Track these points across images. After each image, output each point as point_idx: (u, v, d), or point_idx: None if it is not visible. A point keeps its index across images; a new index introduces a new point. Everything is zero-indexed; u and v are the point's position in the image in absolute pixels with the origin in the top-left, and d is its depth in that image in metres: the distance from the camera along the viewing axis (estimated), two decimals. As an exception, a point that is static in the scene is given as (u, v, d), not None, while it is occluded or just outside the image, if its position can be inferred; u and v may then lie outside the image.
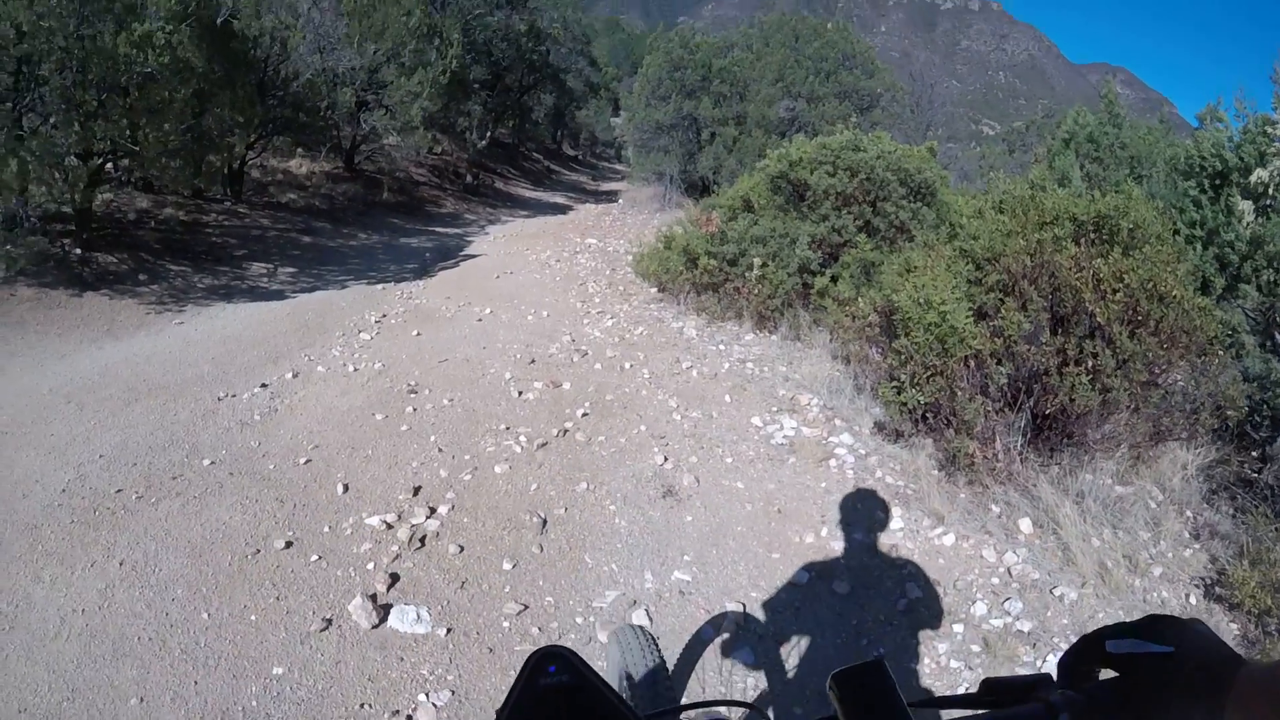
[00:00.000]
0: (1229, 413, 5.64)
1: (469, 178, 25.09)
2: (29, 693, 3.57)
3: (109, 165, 11.74)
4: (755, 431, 6.65)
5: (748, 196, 11.02)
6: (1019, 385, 5.66)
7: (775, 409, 7.15)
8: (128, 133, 10.28)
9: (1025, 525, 5.12)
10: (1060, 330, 5.62)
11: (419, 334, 9.28)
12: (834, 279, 9.18)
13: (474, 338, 9.15)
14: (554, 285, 12.20)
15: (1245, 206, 7.30)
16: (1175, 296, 5.41)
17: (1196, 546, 5.04)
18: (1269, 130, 7.41)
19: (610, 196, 27.85)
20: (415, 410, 6.90)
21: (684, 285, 10.63)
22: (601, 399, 7.26)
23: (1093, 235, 5.96)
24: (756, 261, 9.76)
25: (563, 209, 23.96)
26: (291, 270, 12.60)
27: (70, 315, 9.47)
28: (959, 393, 5.64)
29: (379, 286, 11.81)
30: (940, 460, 5.87)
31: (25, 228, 9.89)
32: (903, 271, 6.95)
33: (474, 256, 14.71)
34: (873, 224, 9.67)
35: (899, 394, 6.04)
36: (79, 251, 10.87)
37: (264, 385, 7.40)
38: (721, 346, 9.10)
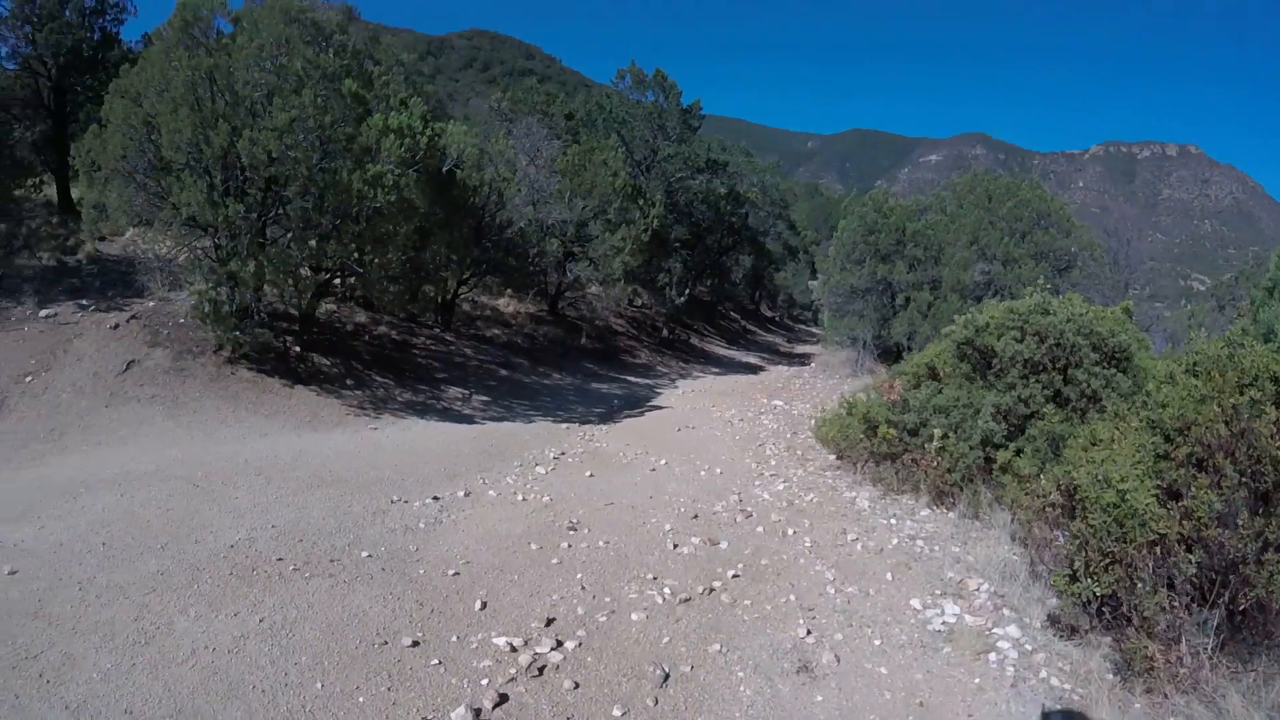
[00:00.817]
0: None
1: (665, 331, 25.79)
2: (141, 701, 3.99)
3: (336, 280, 13.25)
4: (913, 614, 6.20)
5: (933, 363, 10.66)
6: (1212, 576, 4.98)
7: (939, 592, 6.65)
8: (355, 255, 11.82)
9: (1208, 741, 4.40)
10: (1262, 510, 4.93)
11: (591, 475, 9.44)
12: (1018, 453, 8.59)
13: (643, 486, 9.19)
14: (733, 443, 12.13)
15: None
16: None
17: None
18: None
19: (803, 359, 27.77)
20: (570, 546, 6.99)
21: (862, 453, 10.27)
22: (756, 562, 7.04)
23: None
24: (936, 432, 9.30)
25: (754, 369, 24.05)
26: (485, 399, 13.31)
27: (280, 402, 10.66)
28: (1139, 584, 5.02)
29: (564, 425, 12.18)
30: (1117, 663, 5.21)
31: (255, 320, 11.35)
32: (1088, 445, 6.42)
33: (660, 408, 14.92)
34: (1063, 393, 9.06)
35: (1072, 583, 5.46)
36: (298, 349, 12.23)
37: (435, 498, 7.81)
38: (893, 520, 8.65)
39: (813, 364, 25.02)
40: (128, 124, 10.77)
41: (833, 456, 10.96)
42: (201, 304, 10.62)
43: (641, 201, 22.25)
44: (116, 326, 11.32)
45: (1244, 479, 4.98)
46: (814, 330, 43.85)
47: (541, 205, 18.72)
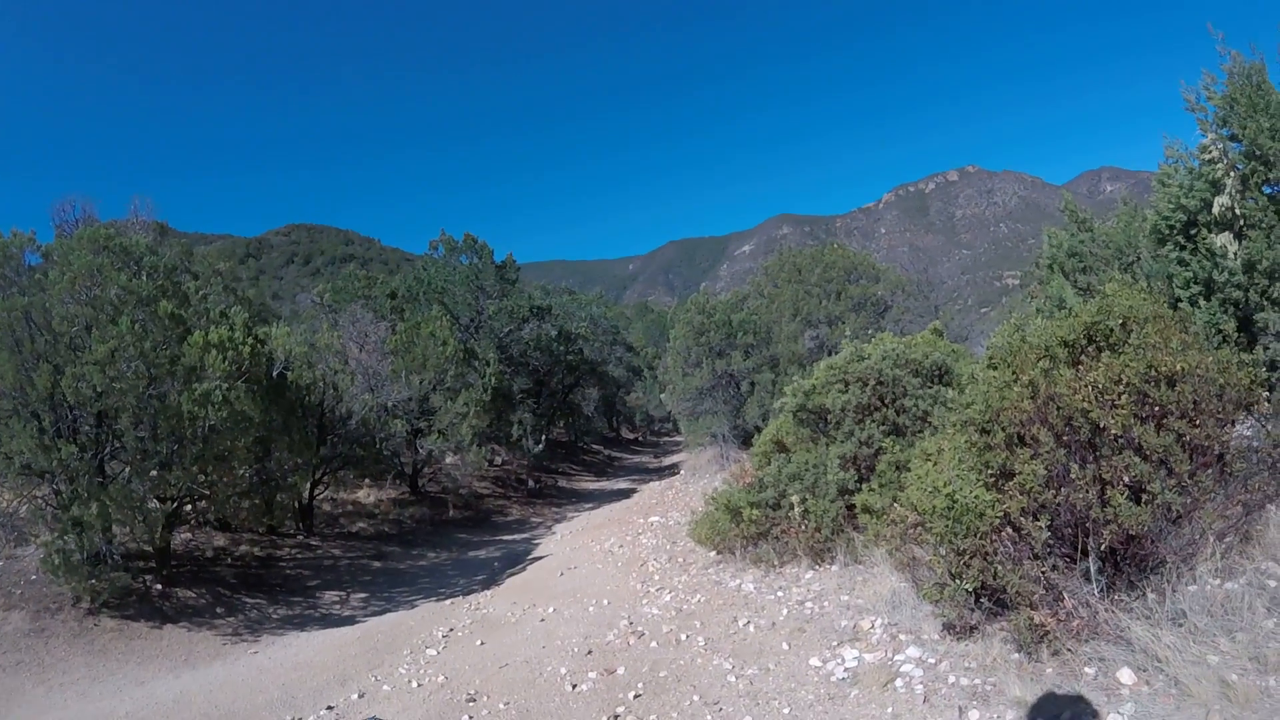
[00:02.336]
0: None
1: (531, 483, 25.75)
2: None
3: (186, 507, 12.66)
4: (814, 673, 6.48)
5: (777, 437, 11.23)
6: (1072, 530, 5.44)
7: (836, 643, 6.98)
8: (200, 477, 11.38)
9: (1126, 676, 4.77)
10: (1092, 458, 5.43)
11: (482, 642, 9.36)
12: (870, 491, 9.14)
13: (535, 638, 9.17)
14: (616, 571, 12.26)
15: (1224, 239, 7.19)
16: (1181, 369, 5.28)
17: None
18: (1207, 155, 7.42)
19: (673, 470, 28.20)
20: (471, 718, 6.90)
21: (736, 541, 10.63)
22: (655, 676, 7.17)
23: (1090, 348, 5.89)
24: (795, 499, 9.80)
25: (627, 493, 24.24)
26: (363, 595, 12.94)
27: (150, 645, 10.06)
28: (998, 567, 5.44)
29: (448, 602, 11.98)
30: (1017, 641, 5.56)
31: (109, 564, 10.69)
32: (922, 462, 6.92)
33: (540, 558, 14.88)
34: (898, 423, 9.75)
35: (942, 591, 5.87)
36: (159, 587, 11.56)
37: (329, 708, 7.57)
38: (780, 593, 8.98)
39: (682, 471, 25.47)
40: None
41: (712, 553, 11.25)
42: (50, 556, 10.04)
43: (477, 363, 22.49)
44: None
45: (1062, 439, 5.50)
46: (678, 439, 44.55)
47: (379, 389, 18.70)
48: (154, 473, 10.91)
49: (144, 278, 11.68)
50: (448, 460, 21.52)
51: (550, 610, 10.39)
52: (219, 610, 11.51)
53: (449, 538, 18.10)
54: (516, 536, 18.38)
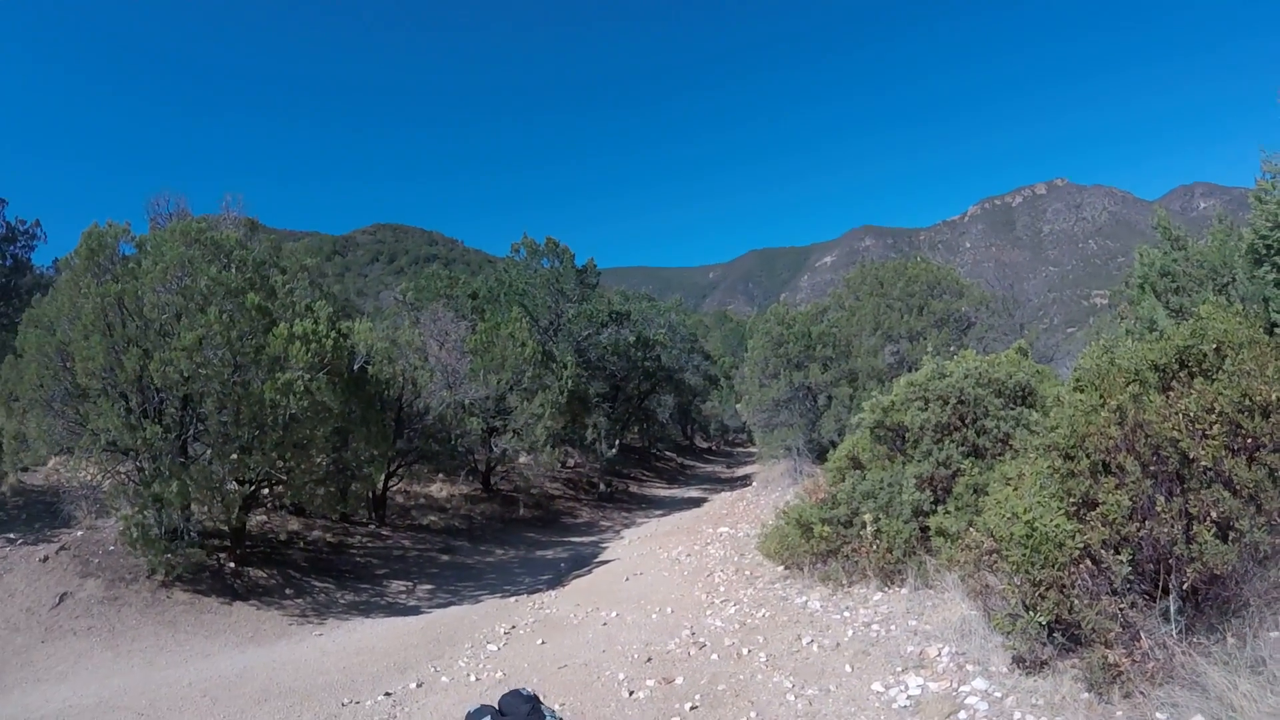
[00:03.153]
0: None
1: (602, 486, 25.79)
2: None
3: (263, 490, 13.13)
4: (876, 698, 6.28)
5: (853, 453, 10.99)
6: (1154, 567, 5.19)
7: (900, 669, 6.76)
8: (278, 463, 11.76)
9: (1199, 724, 4.49)
10: (1179, 490, 5.19)
11: (543, 642, 9.37)
12: (947, 514, 8.86)
13: (596, 642, 9.14)
14: (681, 580, 12.15)
15: None
16: (1277, 399, 5.04)
17: None
18: None
19: (744, 481, 27.93)
20: (526, 719, 6.87)
21: (805, 557, 10.42)
22: (713, 689, 7.06)
23: (1181, 373, 5.64)
24: (868, 518, 9.56)
25: (697, 502, 24.11)
26: (429, 587, 13.14)
27: (219, 620, 10.44)
28: (1075, 600, 5.20)
29: (512, 599, 12.07)
30: (1088, 680, 5.29)
31: (185, 540, 11.18)
32: (1002, 486, 6.69)
33: (607, 562, 14.87)
34: (978, 445, 9.46)
35: (1014, 622, 5.63)
36: (232, 565, 12.02)
37: (387, 694, 7.68)
38: (846, 613, 8.76)
39: (754, 483, 25.17)
40: (42, 353, 10.95)
41: (780, 568, 11.06)
42: (129, 529, 10.51)
43: (554, 365, 22.70)
44: (46, 559, 11.06)
45: (1148, 469, 5.25)
46: (752, 450, 44.19)
47: (457, 386, 18.97)
48: (234, 456, 11.30)
49: (233, 270, 12.07)
50: (521, 460, 21.71)
51: (613, 615, 10.34)
52: (288, 591, 11.81)
53: (517, 536, 18.24)
54: (585, 539, 18.41)
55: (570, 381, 22.36)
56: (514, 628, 10.17)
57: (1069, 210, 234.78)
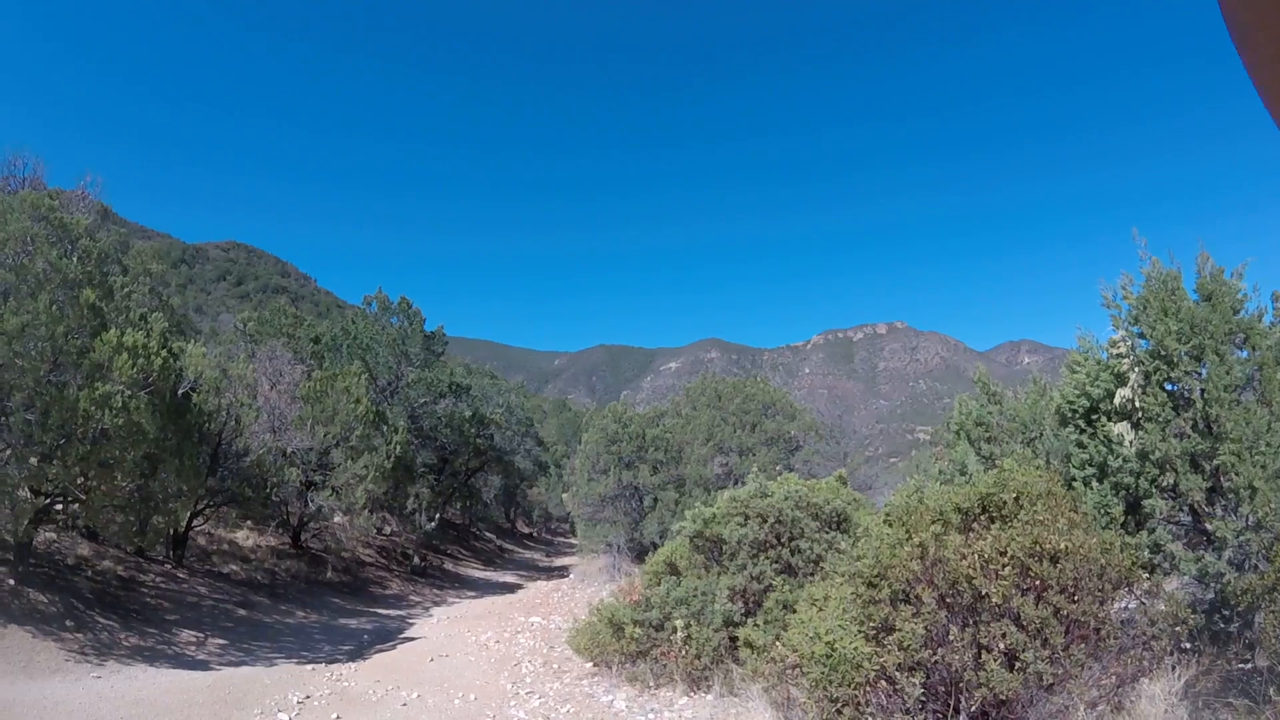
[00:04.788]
0: (1184, 625, 5.54)
1: (416, 559, 25.00)
2: None
3: (57, 506, 12.01)
4: (678, 812, 6.24)
5: (671, 559, 11.19)
6: (946, 689, 5.48)
7: (703, 783, 6.76)
8: (80, 479, 10.79)
9: None
10: (972, 622, 5.53)
11: (338, 717, 8.93)
12: (755, 626, 9.10)
13: (393, 723, 8.71)
14: (488, 667, 11.85)
15: (1122, 428, 7.54)
16: (1064, 548, 5.47)
17: None
18: (1116, 350, 7.81)
19: (562, 571, 27.69)
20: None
21: (614, 656, 10.44)
22: (515, 786, 6.85)
23: (982, 517, 6.06)
24: (679, 623, 9.71)
25: (512, 588, 23.68)
26: (222, 642, 12.27)
27: None
28: (870, 718, 5.44)
29: (309, 667, 11.39)
30: None
31: None
32: (808, 606, 6.95)
33: (413, 639, 14.33)
34: (791, 563, 9.82)
35: None
36: (12, 582, 10.84)
37: (160, 758, 6.99)
38: (651, 715, 8.79)
39: (571, 575, 25.01)
40: None
41: (589, 664, 11.01)
42: None
43: (385, 428, 22.01)
44: None
45: (945, 600, 5.62)
46: (573, 541, 43.90)
47: (282, 432, 18.12)
48: (34, 461, 10.32)
49: (74, 259, 11.29)
50: (335, 519, 20.82)
51: (414, 695, 9.95)
52: (68, 623, 10.78)
53: (322, 600, 17.37)
54: (392, 612, 17.72)
55: (399, 447, 21.71)
56: (308, 698, 9.59)
57: (905, 351, 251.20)
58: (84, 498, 11.15)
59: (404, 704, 9.57)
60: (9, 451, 10.18)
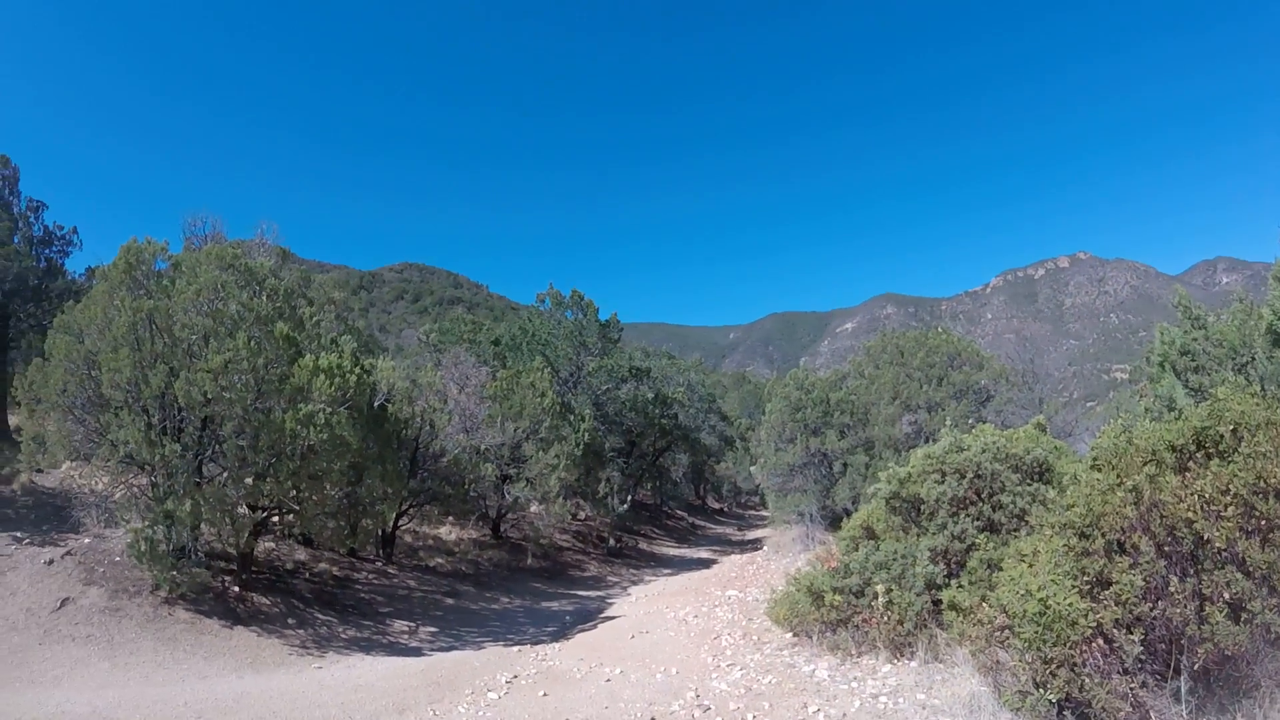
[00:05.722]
0: None
1: (611, 541, 25.60)
2: None
3: (274, 518, 13.15)
4: (882, 775, 6.12)
5: (868, 523, 10.94)
6: (1166, 647, 5.13)
7: (907, 746, 6.61)
8: (292, 492, 11.78)
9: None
10: (1193, 571, 5.18)
11: (545, 694, 9.23)
12: (960, 587, 8.76)
13: (598, 698, 8.99)
14: (688, 641, 12.01)
15: None
16: None
17: None
18: None
19: (755, 544, 27.69)
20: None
21: (815, 625, 10.31)
22: (716, 755, 6.90)
23: (1198, 454, 5.63)
24: (880, 588, 9.47)
25: (707, 563, 23.88)
26: (432, 630, 13.02)
27: (219, 643, 10.38)
28: (1085, 679, 5.13)
29: (515, 648, 11.91)
30: None
31: (192, 560, 11.22)
32: (1016, 563, 6.64)
33: (613, 618, 14.71)
34: (994, 519, 9.37)
35: (1024, 699, 5.54)
36: (237, 589, 11.98)
37: (385, 734, 7.45)
38: (854, 684, 8.62)
39: (765, 547, 24.96)
40: (69, 360, 11.14)
41: (788, 635, 10.93)
42: (138, 542, 10.55)
43: (571, 417, 22.70)
44: (51, 562, 11.13)
45: (1163, 548, 5.22)
46: (764, 514, 43.85)
47: (474, 431, 19.01)
48: (249, 481, 11.38)
49: (263, 298, 12.24)
50: (532, 509, 21.62)
51: (617, 671, 10.20)
52: (290, 621, 11.73)
53: (524, 585, 18.09)
54: (591, 593, 18.24)
55: (586, 434, 22.35)
56: (516, 677, 10.03)
57: (1091, 284, 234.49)
58: (297, 508, 12.15)
59: (607, 680, 9.82)
60: (226, 474, 11.25)
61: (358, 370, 12.80)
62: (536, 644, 12.27)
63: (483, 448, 19.04)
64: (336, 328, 18.16)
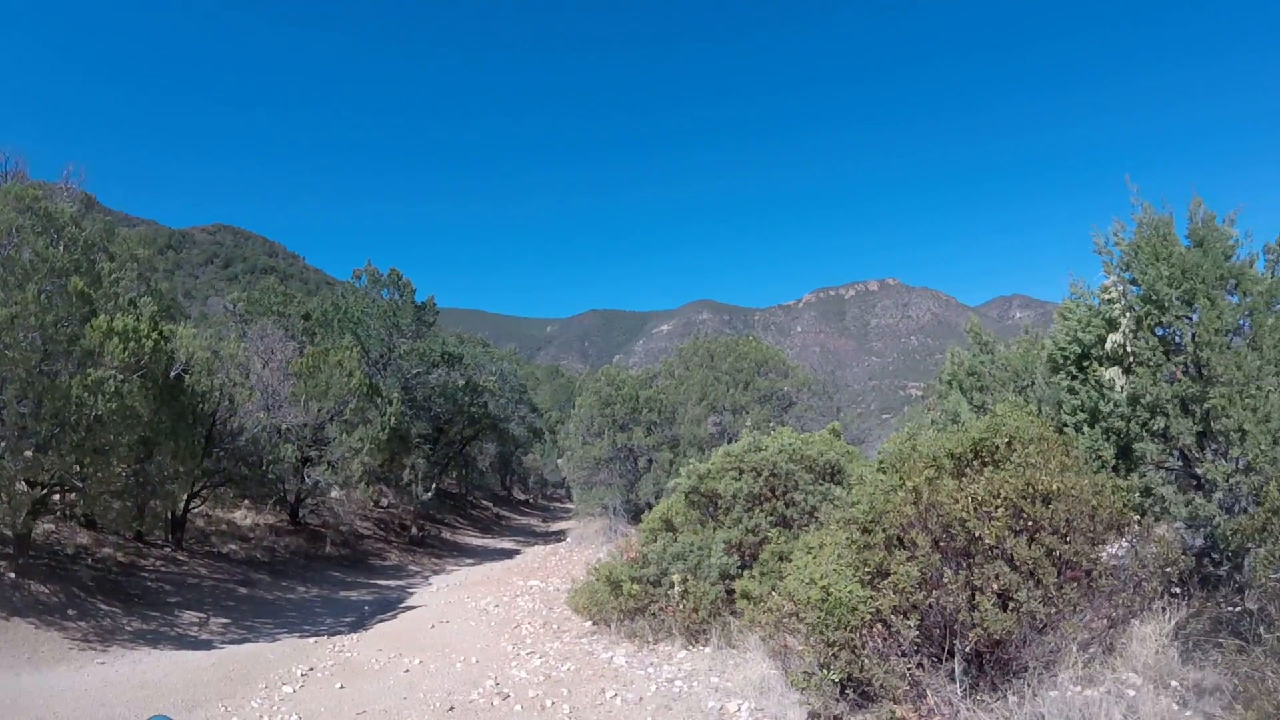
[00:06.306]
0: (1174, 568, 5.72)
1: (414, 529, 25.22)
2: None
3: (55, 496, 11.98)
4: (675, 755, 6.47)
5: (667, 516, 11.35)
6: (940, 632, 5.66)
7: (699, 726, 7.00)
8: (75, 468, 10.79)
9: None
10: (966, 565, 5.71)
11: (342, 686, 9.08)
12: (751, 578, 9.31)
13: (397, 688, 8.94)
14: (488, 630, 12.07)
15: (1113, 373, 7.68)
16: (1056, 490, 5.63)
17: (1189, 714, 4.96)
18: (1107, 295, 7.95)
19: (559, 536, 28.01)
20: (320, 765, 6.67)
21: (613, 614, 10.65)
22: (516, 741, 7.06)
23: (975, 462, 6.24)
24: (676, 578, 9.91)
25: (510, 554, 23.96)
26: (225, 621, 12.45)
27: None
28: (865, 660, 5.62)
29: (312, 640, 11.59)
30: None
31: None
32: (804, 555, 7.12)
33: (414, 608, 14.57)
34: (786, 516, 10.01)
35: (809, 679, 6.00)
36: (12, 575, 10.90)
37: (173, 734, 7.16)
38: (651, 669, 9.01)
39: (568, 539, 25.31)
40: None
41: (588, 623, 11.23)
42: None
43: (379, 400, 22.07)
44: None
45: (939, 543, 5.79)
46: (569, 506, 44.23)
47: (276, 410, 18.22)
48: (28, 453, 10.39)
49: (61, 248, 11.32)
50: (333, 494, 20.99)
51: (416, 662, 10.15)
52: (71, 612, 10.93)
53: (322, 574, 17.59)
54: (392, 583, 17.95)
55: (393, 419, 21.78)
56: (312, 670, 9.79)
57: (897, 307, 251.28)
58: (81, 486, 11.22)
59: (406, 670, 9.76)
60: (3, 444, 10.21)
61: (155, 335, 11.97)
62: (334, 635, 11.98)
63: (284, 427, 18.26)
64: (137, 288, 16.89)
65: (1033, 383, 10.44)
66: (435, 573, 20.06)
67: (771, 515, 10.20)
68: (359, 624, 12.99)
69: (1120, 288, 7.96)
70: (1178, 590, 6.65)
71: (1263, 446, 6.25)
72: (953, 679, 5.64)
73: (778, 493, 10.39)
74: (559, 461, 32.19)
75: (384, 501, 26.39)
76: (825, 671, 5.91)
